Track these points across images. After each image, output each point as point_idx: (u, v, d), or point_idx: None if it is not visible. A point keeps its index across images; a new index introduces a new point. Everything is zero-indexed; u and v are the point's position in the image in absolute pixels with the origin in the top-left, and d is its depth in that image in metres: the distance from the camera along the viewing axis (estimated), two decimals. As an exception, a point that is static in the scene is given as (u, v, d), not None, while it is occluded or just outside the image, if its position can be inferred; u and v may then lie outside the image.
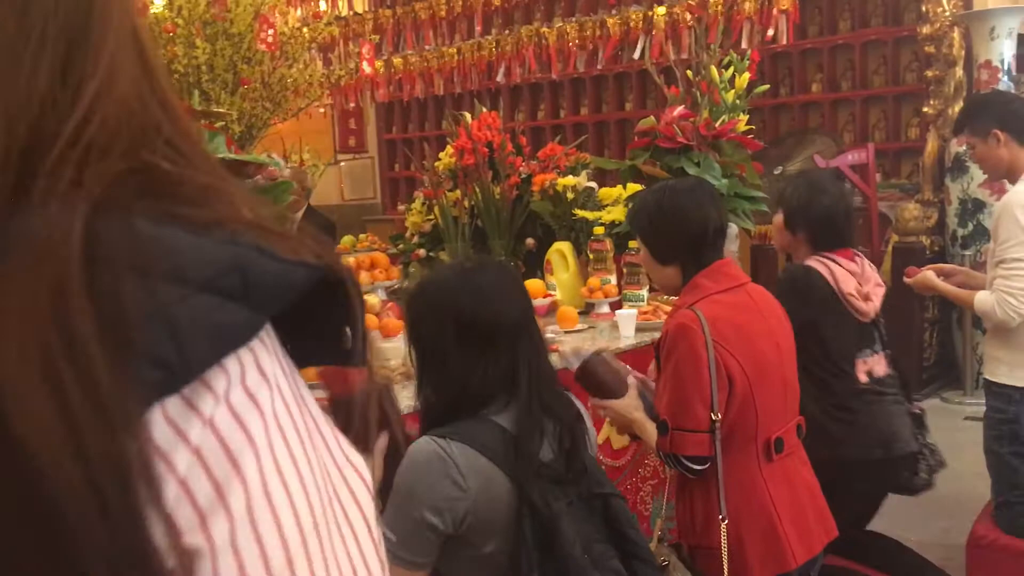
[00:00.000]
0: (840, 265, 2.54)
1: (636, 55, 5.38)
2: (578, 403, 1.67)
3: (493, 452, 1.43)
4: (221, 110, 2.56)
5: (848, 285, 2.51)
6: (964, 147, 5.41)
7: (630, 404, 2.02)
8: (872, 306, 2.58)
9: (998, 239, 2.72)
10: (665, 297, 3.37)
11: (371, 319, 3.06)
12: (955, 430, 5.03)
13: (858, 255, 2.64)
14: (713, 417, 1.82)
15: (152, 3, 3.16)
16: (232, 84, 3.18)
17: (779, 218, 2.65)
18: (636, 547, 1.51)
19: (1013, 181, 2.79)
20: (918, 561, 2.80)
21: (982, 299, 2.72)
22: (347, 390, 0.64)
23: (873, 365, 2.61)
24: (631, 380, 2.06)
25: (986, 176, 3.26)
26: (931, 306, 5.86)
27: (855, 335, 2.56)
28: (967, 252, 5.62)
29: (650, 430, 1.95)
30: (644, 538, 1.57)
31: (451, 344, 1.48)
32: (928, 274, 2.96)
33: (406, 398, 2.28)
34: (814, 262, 2.55)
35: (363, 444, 0.61)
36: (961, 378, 5.72)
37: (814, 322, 2.43)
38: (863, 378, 2.56)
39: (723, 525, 1.81)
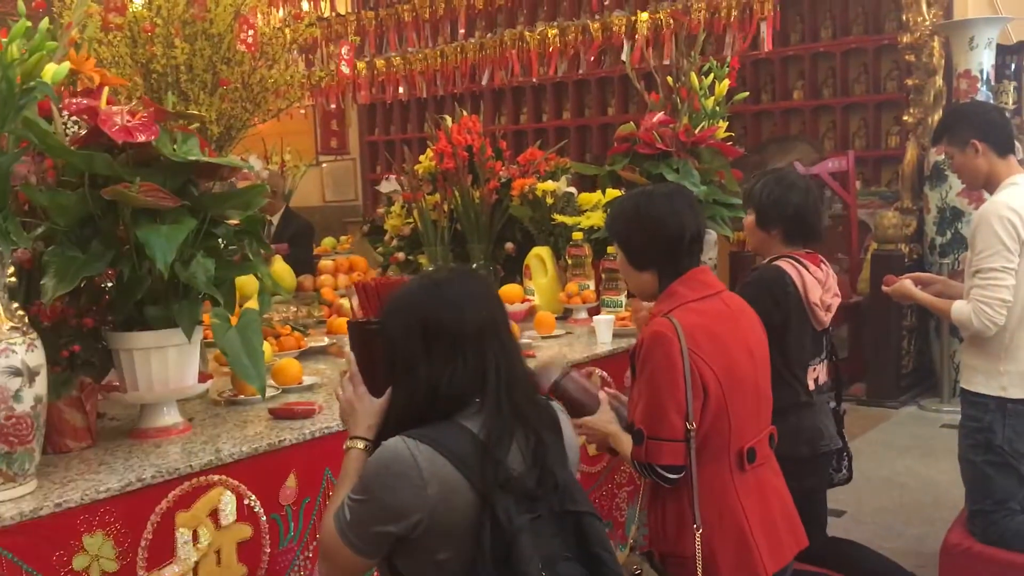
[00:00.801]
0: (809, 272, 2.55)
1: (623, 57, 5.38)
2: (560, 413, 1.64)
3: (460, 459, 1.43)
4: (195, 112, 2.53)
5: (814, 294, 2.53)
6: (943, 156, 5.45)
7: (603, 419, 2.01)
8: (829, 316, 2.61)
9: (975, 249, 2.73)
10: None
11: (344, 324, 3.03)
12: (932, 438, 5.06)
13: (824, 262, 2.65)
14: (688, 426, 1.82)
15: (131, 2, 3.13)
16: (211, 85, 3.14)
17: (750, 218, 2.64)
18: (606, 569, 1.47)
19: (991, 191, 2.81)
20: (887, 565, 2.81)
21: (959, 309, 2.73)
22: None
23: (820, 372, 2.64)
24: (602, 395, 2.05)
25: (965, 186, 3.28)
26: (909, 314, 5.89)
27: (810, 342, 2.57)
28: (945, 260, 5.66)
29: (626, 442, 1.94)
30: (617, 561, 1.53)
31: (420, 353, 1.48)
32: (906, 283, 2.98)
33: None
34: (786, 264, 2.55)
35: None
36: (938, 386, 5.75)
37: (783, 326, 2.43)
38: (811, 385, 2.59)
39: (697, 534, 1.81)
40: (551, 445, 1.52)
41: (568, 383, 2.01)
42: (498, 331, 1.51)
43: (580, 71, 6.85)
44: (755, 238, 2.64)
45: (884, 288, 3.07)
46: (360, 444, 1.58)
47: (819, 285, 2.55)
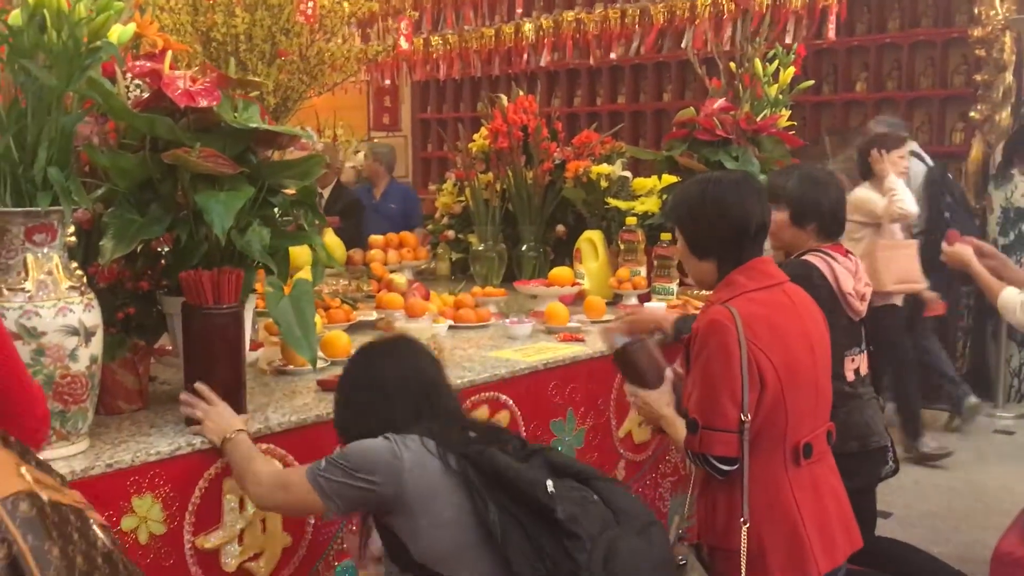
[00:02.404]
0: (839, 263, 2.52)
1: (684, 44, 5.30)
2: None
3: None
4: (257, 80, 2.53)
5: (847, 284, 2.50)
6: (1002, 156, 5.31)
7: (662, 398, 1.97)
8: (864, 305, 2.58)
9: None
10: (695, 292, 3.32)
11: (396, 299, 3.03)
12: (984, 443, 4.95)
13: (850, 252, 2.61)
14: (743, 417, 1.77)
15: (194, -30, 3.14)
16: (269, 55, 3.15)
17: (783, 215, 2.57)
18: (589, 474, 1.75)
19: None
20: (936, 565, 2.75)
21: (1008, 296, 2.65)
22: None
23: (860, 363, 2.60)
24: (668, 373, 2.01)
25: None
26: (966, 315, 5.75)
27: (845, 333, 2.52)
28: (1007, 262, 5.50)
29: (678, 427, 1.90)
30: (592, 468, 1.81)
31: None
32: (966, 249, 2.87)
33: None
34: (815, 259, 2.52)
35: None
36: (993, 390, 5.60)
37: None
38: (850, 376, 2.55)
39: (744, 528, 1.77)
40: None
41: (640, 351, 2.02)
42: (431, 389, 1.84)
43: (638, 54, 6.75)
44: (788, 234, 2.59)
45: (944, 246, 2.96)
46: None
47: (851, 275, 2.51)
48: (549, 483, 1.65)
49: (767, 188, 2.51)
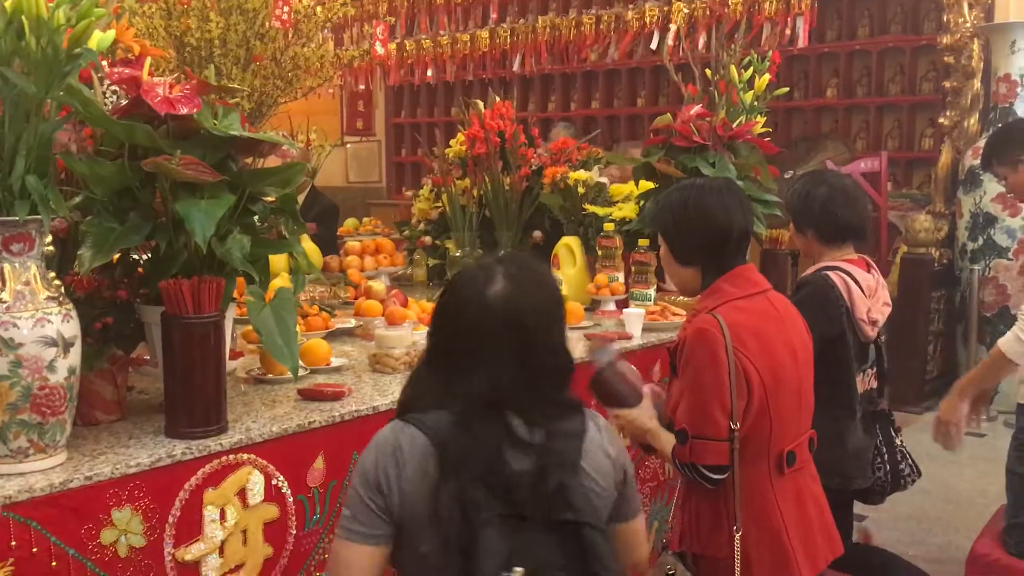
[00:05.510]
0: (857, 283, 2.47)
1: (652, 46, 5.32)
2: (592, 423, 1.52)
3: (440, 442, 1.40)
4: (237, 86, 2.51)
5: (861, 310, 2.46)
6: (978, 160, 5.37)
7: (644, 413, 1.97)
8: (875, 329, 2.55)
9: None
10: (673, 298, 3.33)
11: (375, 306, 3.01)
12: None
13: (873, 267, 2.58)
14: (732, 426, 1.78)
15: (167, -26, 3.11)
16: (244, 60, 3.12)
17: (792, 225, 2.61)
18: None
19: None
20: (912, 572, 2.77)
21: (1006, 344, 2.53)
22: None
23: (868, 381, 2.59)
24: (645, 390, 2.01)
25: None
26: (936, 319, 5.83)
27: (855, 353, 2.52)
28: (976, 266, 5.58)
29: (664, 439, 1.91)
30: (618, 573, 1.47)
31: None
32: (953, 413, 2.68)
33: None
34: (835, 276, 2.48)
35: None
36: (962, 393, 5.67)
37: (840, 338, 2.40)
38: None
39: (737, 536, 1.77)
40: (561, 450, 1.43)
41: (612, 375, 1.96)
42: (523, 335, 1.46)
43: (611, 60, 6.78)
44: (799, 244, 2.60)
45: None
46: None
47: (866, 299, 2.48)
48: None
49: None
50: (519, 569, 1.34)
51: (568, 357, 1.51)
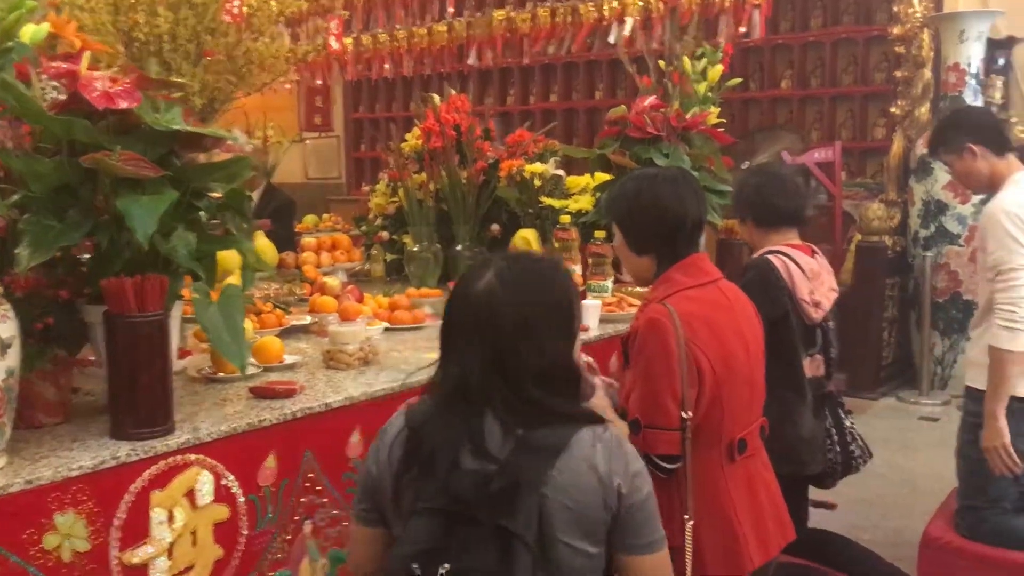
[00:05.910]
0: (799, 265, 2.52)
1: (611, 39, 5.33)
2: (593, 438, 1.45)
3: (412, 428, 1.48)
4: (180, 80, 2.46)
5: (802, 290, 2.51)
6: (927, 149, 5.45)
7: (598, 403, 1.97)
8: (820, 312, 2.58)
9: (987, 249, 2.65)
10: (630, 288, 3.34)
11: (330, 302, 2.98)
12: (909, 430, 5.09)
13: (817, 252, 2.63)
14: (684, 415, 1.79)
15: (113, -32, 3.05)
16: (195, 55, 3.08)
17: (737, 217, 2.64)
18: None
19: (996, 190, 2.77)
20: (868, 557, 2.81)
21: (992, 336, 2.59)
22: None
23: (817, 367, 2.62)
24: (597, 381, 2.01)
25: (972, 191, 3.23)
26: (890, 305, 5.91)
27: (800, 336, 2.55)
28: (928, 253, 5.67)
29: (620, 428, 1.91)
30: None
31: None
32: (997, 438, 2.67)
33: (362, 384, 2.23)
34: (776, 259, 2.53)
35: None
36: (917, 378, 5.77)
37: (784, 320, 2.42)
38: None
39: (688, 525, 1.78)
40: (520, 461, 1.38)
41: None
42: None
43: (568, 53, 6.78)
44: (742, 233, 2.64)
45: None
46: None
47: (807, 280, 2.52)
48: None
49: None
50: (446, 566, 1.33)
51: (567, 363, 1.48)
